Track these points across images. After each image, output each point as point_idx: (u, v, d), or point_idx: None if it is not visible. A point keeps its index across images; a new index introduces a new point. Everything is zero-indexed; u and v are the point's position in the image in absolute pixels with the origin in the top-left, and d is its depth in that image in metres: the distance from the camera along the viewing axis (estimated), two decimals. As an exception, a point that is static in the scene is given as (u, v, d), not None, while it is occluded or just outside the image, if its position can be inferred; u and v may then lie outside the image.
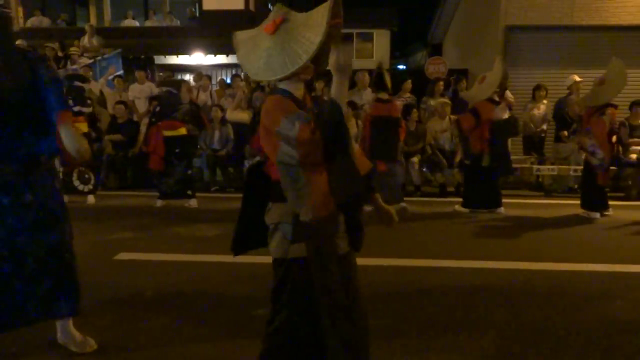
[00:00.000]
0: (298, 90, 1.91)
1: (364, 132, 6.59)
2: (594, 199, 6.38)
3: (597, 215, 6.29)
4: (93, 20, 17.44)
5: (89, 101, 7.07)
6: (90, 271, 4.05)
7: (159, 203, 6.93)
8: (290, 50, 1.79)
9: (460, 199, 6.87)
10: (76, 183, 7.08)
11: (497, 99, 6.50)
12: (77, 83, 7.20)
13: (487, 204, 6.55)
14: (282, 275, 1.95)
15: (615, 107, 6.32)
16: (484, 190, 6.51)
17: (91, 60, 11.61)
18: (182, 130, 6.78)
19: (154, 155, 6.80)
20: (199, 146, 8.48)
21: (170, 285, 3.76)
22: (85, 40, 12.42)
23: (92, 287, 3.68)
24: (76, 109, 6.93)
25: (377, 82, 6.42)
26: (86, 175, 7.11)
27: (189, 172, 6.94)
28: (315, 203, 1.76)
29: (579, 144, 6.86)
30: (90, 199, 7.14)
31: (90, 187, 7.15)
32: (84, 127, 7.03)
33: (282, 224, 1.91)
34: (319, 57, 1.80)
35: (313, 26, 1.76)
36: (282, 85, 1.91)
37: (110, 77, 10.37)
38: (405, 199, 6.64)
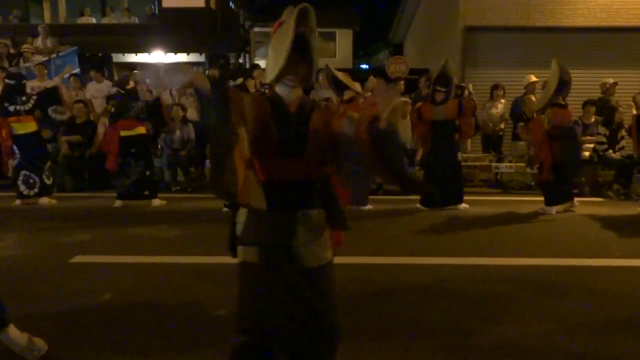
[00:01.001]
0: (289, 96, 1.94)
1: None
2: (549, 195, 6.59)
3: (553, 210, 6.49)
4: (47, 16, 16.91)
5: (24, 98, 6.77)
6: (43, 275, 3.96)
7: (117, 203, 6.81)
8: (272, 56, 1.91)
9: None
10: (22, 187, 6.88)
11: (562, 102, 6.46)
12: (9, 81, 6.92)
13: (450, 200, 6.69)
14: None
15: (563, 106, 6.48)
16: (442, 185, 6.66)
17: (46, 58, 11.25)
18: (140, 130, 6.68)
19: (110, 155, 6.69)
20: (159, 146, 8.35)
21: (128, 288, 3.68)
22: (39, 41, 12.01)
23: (45, 292, 3.59)
24: (11, 108, 6.72)
25: (333, 84, 6.48)
26: (31, 180, 6.88)
27: (147, 172, 6.82)
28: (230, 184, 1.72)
29: (519, 134, 7.43)
30: (44, 200, 6.94)
31: (36, 190, 6.92)
32: (30, 126, 6.80)
33: (238, 224, 1.94)
34: (291, 64, 1.85)
35: (285, 35, 1.84)
36: (276, 88, 1.98)
37: (67, 76, 10.08)
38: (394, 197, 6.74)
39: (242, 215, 1.93)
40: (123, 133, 6.63)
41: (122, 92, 6.75)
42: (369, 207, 6.54)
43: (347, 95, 6.39)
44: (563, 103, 6.49)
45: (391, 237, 5.33)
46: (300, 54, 1.87)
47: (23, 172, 6.85)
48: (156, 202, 6.82)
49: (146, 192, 6.81)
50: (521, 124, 8.06)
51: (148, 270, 4.10)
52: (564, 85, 6.25)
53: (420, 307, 3.35)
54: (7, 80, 6.97)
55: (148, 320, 3.13)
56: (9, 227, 5.53)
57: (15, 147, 6.82)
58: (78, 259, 4.38)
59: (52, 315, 3.18)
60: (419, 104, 6.91)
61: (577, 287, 3.72)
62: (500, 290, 3.66)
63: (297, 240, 1.88)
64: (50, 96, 7.03)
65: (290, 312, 1.86)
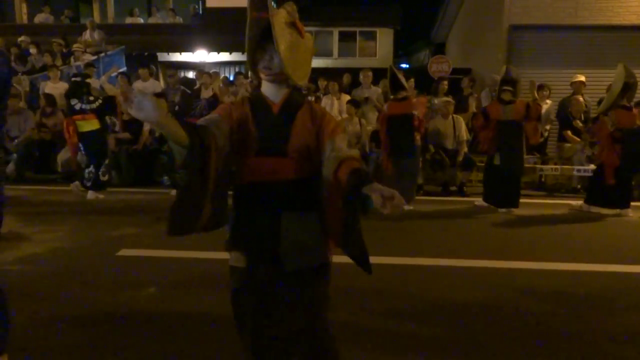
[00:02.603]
0: (274, 95, 1.88)
1: (381, 131, 6.70)
2: (599, 196, 6.57)
3: (590, 208, 6.58)
4: (96, 17, 17.45)
5: (91, 97, 7.05)
6: (91, 267, 4.08)
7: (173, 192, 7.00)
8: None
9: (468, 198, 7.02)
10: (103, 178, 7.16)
11: (627, 104, 6.41)
12: (75, 79, 7.23)
13: (506, 202, 6.62)
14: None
15: (627, 108, 6.36)
16: (502, 187, 6.58)
17: (94, 57, 11.62)
18: None
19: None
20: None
21: (173, 282, 3.75)
22: (86, 35, 12.44)
23: (92, 284, 3.70)
24: (77, 106, 6.97)
25: (391, 82, 6.51)
26: (90, 174, 7.12)
27: None
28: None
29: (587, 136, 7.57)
30: (92, 195, 7.15)
31: (89, 184, 7.14)
32: (94, 124, 7.05)
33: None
34: (253, 55, 1.84)
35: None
36: (262, 87, 1.93)
37: (114, 75, 10.37)
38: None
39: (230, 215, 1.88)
40: None
41: (189, 91, 6.94)
42: (409, 207, 6.47)
43: (400, 94, 6.42)
44: (628, 105, 6.40)
45: (429, 238, 5.26)
46: (270, 45, 1.75)
47: (87, 170, 7.10)
48: None
49: None
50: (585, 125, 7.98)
51: (193, 265, 4.17)
52: (628, 87, 6.22)
53: (462, 307, 3.29)
54: (73, 78, 7.27)
55: (193, 314, 3.18)
56: (60, 220, 5.73)
57: (80, 144, 7.11)
58: (124, 252, 4.50)
59: (98, 306, 3.27)
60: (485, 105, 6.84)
61: (623, 295, 3.59)
62: (546, 291, 3.56)
63: (282, 243, 1.80)
64: (111, 105, 7.40)
65: (276, 319, 1.82)
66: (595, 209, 6.58)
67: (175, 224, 1.66)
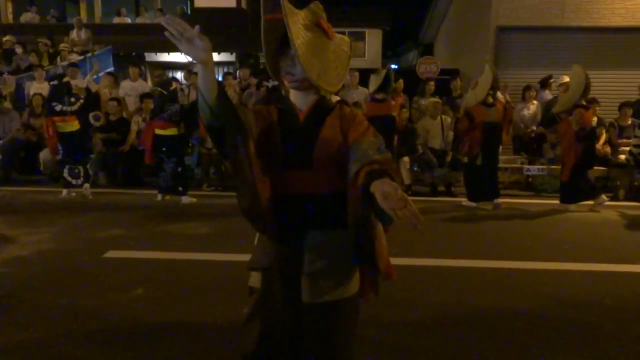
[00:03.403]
0: (302, 101, 1.74)
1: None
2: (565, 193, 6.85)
3: (571, 207, 6.75)
4: (83, 16, 17.30)
5: (72, 99, 7.01)
6: (78, 269, 4.04)
7: (159, 197, 7.00)
8: None
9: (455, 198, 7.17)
10: (68, 178, 7.13)
11: (490, 101, 6.68)
12: (53, 82, 7.27)
13: (489, 195, 6.83)
14: None
15: (586, 107, 6.72)
16: (483, 184, 6.80)
17: (81, 57, 11.51)
18: (172, 131, 6.84)
19: (145, 150, 7.06)
20: (190, 144, 8.47)
21: (160, 284, 3.73)
22: (73, 34, 12.33)
23: (78, 286, 3.66)
24: (58, 108, 6.93)
25: (383, 83, 6.56)
26: (75, 170, 7.13)
27: (179, 169, 6.94)
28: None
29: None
30: (87, 188, 7.17)
31: (81, 179, 7.18)
32: (74, 125, 7.01)
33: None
34: (273, 62, 1.74)
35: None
36: (290, 95, 1.79)
37: (100, 74, 10.28)
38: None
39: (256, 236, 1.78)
40: (157, 131, 6.85)
41: (165, 93, 6.94)
42: None
43: (380, 95, 6.49)
44: (586, 105, 6.73)
45: (415, 238, 5.27)
46: (289, 46, 1.59)
47: (68, 165, 7.12)
48: (185, 199, 6.91)
49: (180, 188, 6.95)
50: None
51: (180, 266, 4.15)
52: (588, 88, 6.50)
53: (451, 308, 3.30)
54: (51, 83, 7.24)
55: (180, 316, 3.16)
56: (45, 221, 5.66)
57: (59, 144, 7.10)
58: (111, 254, 4.46)
59: (84, 309, 3.24)
60: (466, 107, 6.89)
61: (609, 293, 3.62)
62: (532, 290, 3.59)
63: (305, 267, 1.64)
64: (93, 101, 7.41)
65: (287, 349, 1.68)
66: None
67: (242, 199, 1.58)
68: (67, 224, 5.59)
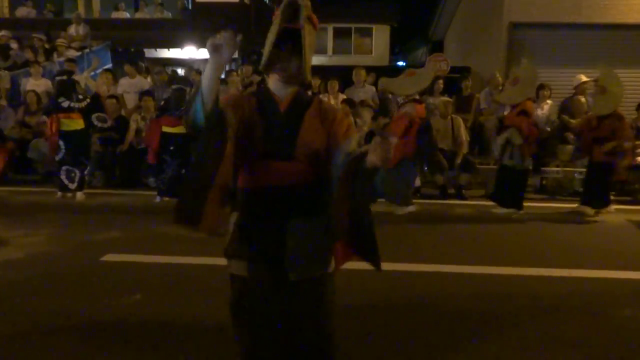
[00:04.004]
0: (281, 91, 1.87)
1: (410, 134, 6.35)
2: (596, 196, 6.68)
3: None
4: (81, 11, 17.33)
5: (80, 96, 7.06)
6: (75, 273, 4.04)
7: (158, 199, 6.99)
8: (265, 47, 1.85)
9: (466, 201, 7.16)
10: (65, 181, 7.10)
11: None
12: (59, 77, 7.22)
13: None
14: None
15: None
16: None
17: (79, 53, 11.54)
18: (181, 129, 6.78)
19: (149, 150, 6.99)
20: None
21: (159, 289, 3.72)
22: (71, 29, 12.36)
23: (76, 291, 3.66)
24: (65, 104, 6.93)
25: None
26: (72, 174, 7.10)
27: (183, 171, 6.91)
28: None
29: None
30: (81, 196, 7.14)
31: (76, 184, 7.13)
32: (79, 123, 7.03)
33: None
34: (278, 59, 1.83)
35: (269, 41, 1.82)
36: (269, 83, 1.92)
37: (98, 71, 10.30)
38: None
39: (231, 221, 1.87)
40: (165, 129, 6.82)
41: (185, 88, 6.92)
42: (410, 208, 6.50)
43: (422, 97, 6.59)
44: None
45: (425, 243, 5.25)
46: (290, 49, 1.79)
47: (66, 166, 7.08)
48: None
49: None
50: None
51: (181, 271, 4.14)
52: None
53: (458, 316, 3.29)
54: (58, 77, 7.23)
55: (180, 322, 3.15)
56: (41, 223, 5.67)
57: (61, 142, 7.06)
58: (109, 257, 4.46)
59: (80, 315, 3.23)
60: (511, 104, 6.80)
61: (629, 301, 3.59)
62: (546, 299, 3.56)
63: (287, 251, 1.79)
64: (96, 103, 7.44)
65: (277, 331, 1.83)
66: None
67: (181, 208, 1.66)
68: (62, 226, 5.59)
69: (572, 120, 8.17)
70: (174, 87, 7.13)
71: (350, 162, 1.64)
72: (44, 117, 7.76)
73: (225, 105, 1.71)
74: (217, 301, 3.43)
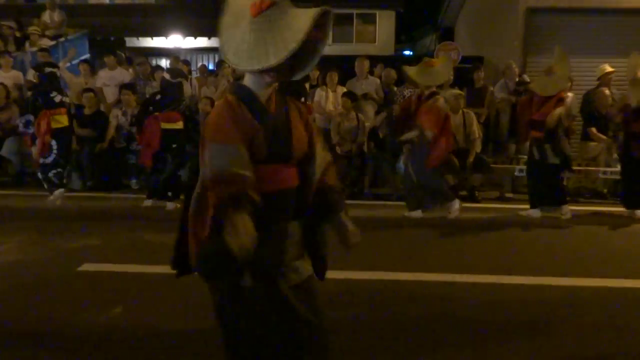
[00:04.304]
0: (263, 90, 1.89)
1: (446, 129, 6.44)
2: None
3: None
4: (56, -5, 17.35)
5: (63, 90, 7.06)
6: (47, 286, 4.03)
7: (149, 202, 6.91)
8: (264, 47, 1.77)
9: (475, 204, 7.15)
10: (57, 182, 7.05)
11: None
12: (49, 69, 7.14)
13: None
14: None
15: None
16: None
17: (53, 42, 11.52)
18: (179, 125, 6.77)
19: (147, 149, 6.79)
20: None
21: (141, 302, 3.73)
22: (45, 16, 12.34)
23: (48, 306, 3.64)
24: (57, 99, 6.95)
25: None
26: (59, 175, 7.07)
27: (179, 173, 6.86)
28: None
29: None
30: (58, 194, 7.07)
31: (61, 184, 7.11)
32: (64, 119, 7.03)
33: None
34: (287, 64, 1.80)
35: (295, 29, 1.75)
36: (246, 81, 1.91)
37: (75, 62, 10.30)
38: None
39: None
40: (165, 125, 6.73)
41: (179, 80, 6.89)
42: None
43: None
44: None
45: (428, 250, 5.26)
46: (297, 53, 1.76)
47: (57, 169, 7.04)
48: (171, 205, 6.85)
49: (169, 193, 6.86)
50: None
51: (162, 281, 4.11)
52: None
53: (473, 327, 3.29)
54: (49, 69, 7.12)
55: (165, 337, 3.15)
56: (11, 230, 5.67)
57: (53, 142, 6.98)
58: (86, 267, 4.46)
59: (55, 333, 3.22)
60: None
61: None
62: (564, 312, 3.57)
63: (288, 255, 1.92)
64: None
65: (291, 332, 1.91)
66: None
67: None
68: (36, 233, 5.58)
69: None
70: (172, 80, 7.05)
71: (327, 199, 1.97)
72: (30, 117, 7.63)
73: (238, 143, 1.77)
74: (204, 314, 3.43)
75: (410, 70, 6.68)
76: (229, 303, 1.92)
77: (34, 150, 7.14)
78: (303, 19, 1.75)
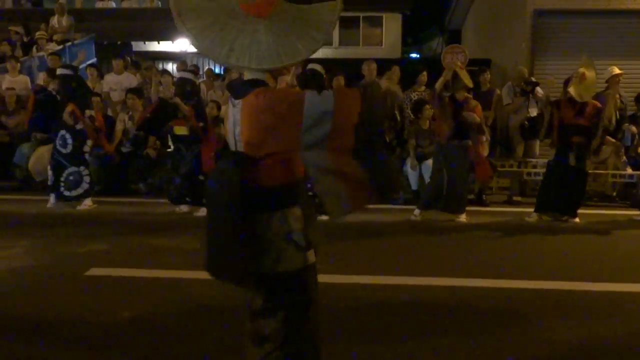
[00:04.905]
0: (269, 82, 1.97)
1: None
2: None
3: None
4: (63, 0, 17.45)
5: None
6: (55, 290, 4.05)
7: (184, 208, 6.90)
8: (289, 43, 1.84)
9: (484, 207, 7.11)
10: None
11: None
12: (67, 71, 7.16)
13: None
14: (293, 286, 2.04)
15: None
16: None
17: (60, 47, 11.60)
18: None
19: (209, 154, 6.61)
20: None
21: (149, 306, 3.73)
22: (54, 20, 12.42)
23: (56, 310, 3.66)
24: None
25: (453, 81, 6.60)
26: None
27: (200, 176, 6.64)
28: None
29: None
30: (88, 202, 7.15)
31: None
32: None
33: (294, 232, 1.98)
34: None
35: (319, 24, 1.87)
36: (257, 75, 1.92)
37: (82, 66, 10.36)
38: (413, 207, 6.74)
39: (291, 222, 1.99)
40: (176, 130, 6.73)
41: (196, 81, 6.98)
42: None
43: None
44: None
45: (435, 254, 5.25)
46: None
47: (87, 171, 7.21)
48: (184, 207, 6.84)
49: (188, 199, 6.76)
50: None
51: (171, 286, 4.15)
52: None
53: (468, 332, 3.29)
54: (65, 71, 7.14)
55: (172, 342, 3.16)
56: (19, 234, 5.69)
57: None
58: (94, 271, 4.47)
59: (63, 338, 3.24)
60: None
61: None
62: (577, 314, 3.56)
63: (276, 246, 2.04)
64: None
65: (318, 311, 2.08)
66: None
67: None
68: (43, 238, 5.61)
69: None
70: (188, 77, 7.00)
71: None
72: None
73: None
74: (216, 319, 3.46)
75: (573, 91, 6.71)
76: (299, 279, 2.02)
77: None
78: (324, 11, 1.91)
